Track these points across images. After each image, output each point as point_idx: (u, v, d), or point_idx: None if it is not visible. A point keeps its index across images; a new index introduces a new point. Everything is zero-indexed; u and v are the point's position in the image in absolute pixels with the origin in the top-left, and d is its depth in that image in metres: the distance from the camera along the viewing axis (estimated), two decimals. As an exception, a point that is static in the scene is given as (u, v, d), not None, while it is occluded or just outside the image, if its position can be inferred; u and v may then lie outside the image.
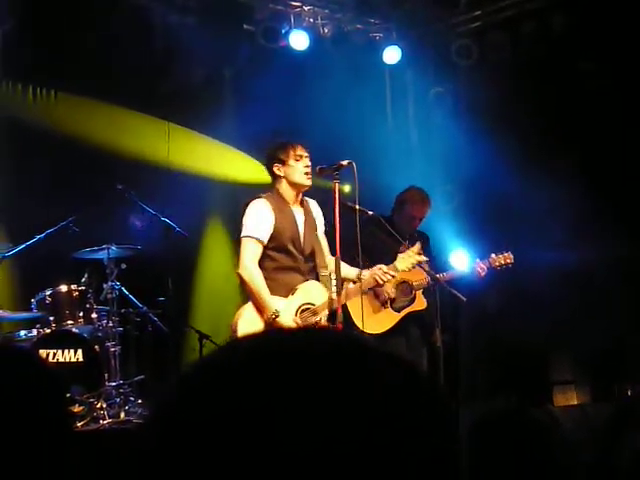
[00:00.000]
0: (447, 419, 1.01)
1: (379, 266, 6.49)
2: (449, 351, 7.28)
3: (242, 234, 6.31)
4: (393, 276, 6.57)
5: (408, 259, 6.55)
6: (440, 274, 7.18)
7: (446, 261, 8.03)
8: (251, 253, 6.25)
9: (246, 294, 6.38)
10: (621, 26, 8.88)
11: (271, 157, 6.48)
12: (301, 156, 6.36)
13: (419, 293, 7.28)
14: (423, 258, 6.68)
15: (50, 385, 1.75)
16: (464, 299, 7.11)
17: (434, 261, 7.56)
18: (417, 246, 6.65)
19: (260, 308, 6.16)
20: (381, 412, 0.95)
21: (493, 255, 7.38)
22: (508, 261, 7.38)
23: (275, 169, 6.43)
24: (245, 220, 6.34)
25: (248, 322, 6.16)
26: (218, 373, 0.99)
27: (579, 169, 9.18)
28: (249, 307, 6.25)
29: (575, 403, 8.83)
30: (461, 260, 9.38)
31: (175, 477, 0.94)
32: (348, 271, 6.44)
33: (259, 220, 6.31)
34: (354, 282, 6.45)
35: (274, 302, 6.17)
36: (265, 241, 6.29)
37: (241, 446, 0.91)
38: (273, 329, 5.73)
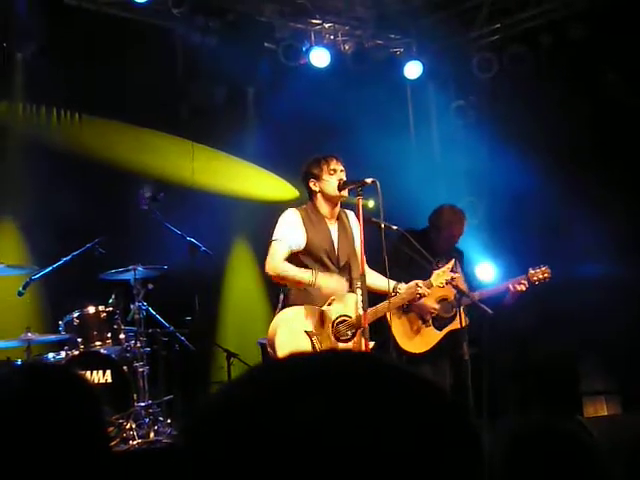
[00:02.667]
0: (474, 443, 1.02)
1: (416, 282, 6.49)
2: (476, 365, 7.25)
3: (271, 238, 6.36)
4: (426, 294, 6.58)
5: (443, 275, 6.57)
6: (476, 292, 7.22)
7: (473, 274, 8.02)
8: (278, 253, 6.27)
9: (278, 304, 6.42)
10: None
11: (306, 173, 6.51)
12: (335, 170, 6.38)
13: (461, 311, 7.26)
14: (456, 275, 6.68)
15: (89, 403, 1.77)
16: (491, 312, 7.11)
17: (468, 277, 7.58)
18: (451, 263, 6.66)
19: (300, 284, 6.19)
20: (412, 441, 0.96)
21: (531, 270, 7.38)
22: (546, 275, 7.38)
23: (311, 184, 6.47)
24: (276, 227, 6.39)
25: (286, 333, 6.18)
26: (248, 396, 1.00)
27: (607, 181, 9.14)
28: (284, 317, 6.26)
29: (605, 414, 8.78)
30: (487, 273, 9.39)
31: None
32: (381, 283, 6.42)
33: (288, 226, 6.36)
34: (390, 295, 6.42)
35: (309, 272, 6.21)
36: (292, 247, 6.32)
37: (283, 467, 0.93)
38: (303, 352, 5.78)
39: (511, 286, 7.30)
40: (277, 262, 6.26)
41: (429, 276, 6.57)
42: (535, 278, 7.37)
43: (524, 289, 7.28)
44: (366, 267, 6.32)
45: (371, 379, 1.01)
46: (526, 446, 2.37)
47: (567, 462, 2.36)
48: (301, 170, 6.63)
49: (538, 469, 2.31)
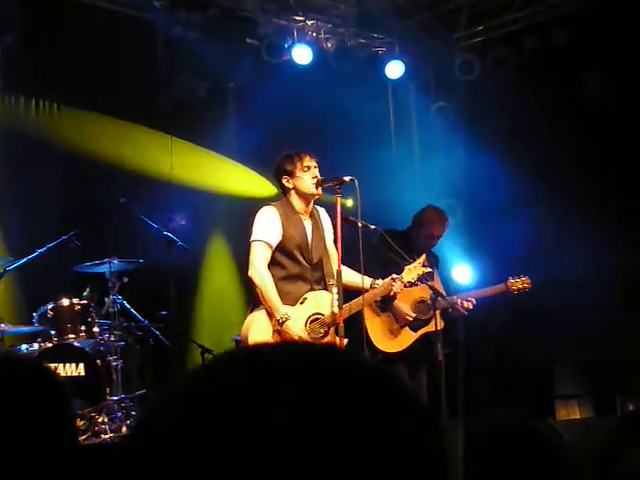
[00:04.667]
0: (432, 434, 1.01)
1: (392, 276, 6.50)
2: (450, 364, 7.27)
3: (251, 239, 6.35)
4: (399, 290, 6.58)
5: (414, 270, 6.56)
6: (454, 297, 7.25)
7: (449, 278, 8.04)
8: (260, 256, 6.29)
9: (252, 300, 6.42)
10: (623, 39, 8.89)
11: (279, 170, 6.51)
12: (309, 167, 6.38)
13: (437, 314, 7.27)
14: (428, 269, 6.69)
15: (56, 396, 1.75)
16: (465, 312, 7.14)
17: (444, 280, 7.61)
18: (422, 258, 6.66)
19: (270, 311, 6.19)
20: (364, 428, 0.94)
21: (510, 279, 7.41)
22: (526, 285, 7.41)
23: (284, 181, 6.46)
24: (254, 226, 6.39)
25: (259, 331, 6.19)
26: (209, 386, 0.98)
27: (585, 182, 9.17)
28: (258, 316, 6.26)
29: (577, 417, 8.81)
30: (464, 275, 9.41)
31: None
32: (356, 279, 6.42)
33: (267, 225, 6.36)
34: (365, 290, 6.42)
35: (283, 307, 6.20)
36: (274, 245, 6.32)
37: (239, 457, 0.91)
38: (278, 342, 5.76)
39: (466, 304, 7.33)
40: (262, 272, 6.27)
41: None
42: (514, 287, 7.40)
43: (466, 309, 7.30)
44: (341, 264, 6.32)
45: (335, 372, 1.00)
46: (497, 444, 2.37)
47: (536, 461, 2.36)
48: (274, 166, 6.61)
49: (508, 467, 2.32)
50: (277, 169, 6.54)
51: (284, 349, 1.07)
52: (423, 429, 1.00)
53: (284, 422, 0.92)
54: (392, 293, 6.56)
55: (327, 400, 0.95)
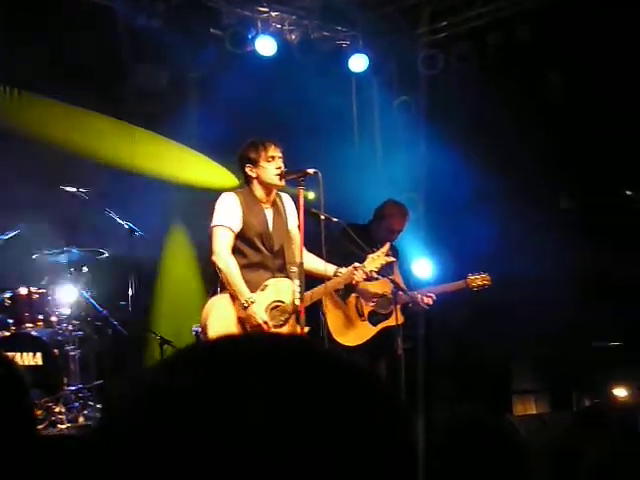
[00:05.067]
0: (403, 425, 1.01)
1: (354, 265, 6.50)
2: (410, 359, 7.29)
3: (213, 224, 6.33)
4: (360, 279, 6.59)
5: (377, 260, 6.57)
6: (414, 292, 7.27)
7: (409, 271, 8.07)
8: (224, 241, 6.29)
9: (213, 286, 6.40)
10: (587, 35, 8.95)
11: (243, 157, 6.48)
12: (273, 157, 6.37)
13: (397, 308, 7.30)
14: (391, 259, 6.70)
15: (13, 385, 1.72)
16: (426, 307, 7.18)
17: (404, 274, 7.63)
18: (386, 247, 6.67)
19: (234, 295, 6.17)
20: (337, 421, 0.94)
21: (470, 275, 7.45)
22: (485, 282, 7.46)
23: (247, 169, 6.44)
24: (215, 212, 6.38)
25: (218, 316, 6.18)
26: (173, 379, 0.97)
27: (546, 179, 9.23)
28: (218, 301, 6.25)
29: (534, 412, 8.88)
30: (424, 269, 9.44)
31: None
32: (319, 265, 6.42)
33: (228, 211, 6.35)
34: (328, 278, 6.42)
35: (248, 291, 6.19)
36: (235, 230, 6.31)
37: (213, 454, 0.90)
38: (239, 332, 5.74)
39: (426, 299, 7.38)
40: (226, 256, 6.26)
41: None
42: (474, 284, 7.45)
43: (427, 304, 7.34)
44: (304, 251, 6.32)
45: (306, 364, 0.99)
46: (457, 440, 2.38)
47: (494, 456, 2.38)
48: (238, 154, 6.58)
49: (468, 462, 2.33)
50: (241, 156, 6.51)
51: (254, 342, 1.06)
52: (396, 421, 1.00)
53: (258, 418, 0.91)
54: (354, 282, 6.57)
55: (300, 394, 0.94)
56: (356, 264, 6.51)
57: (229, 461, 0.90)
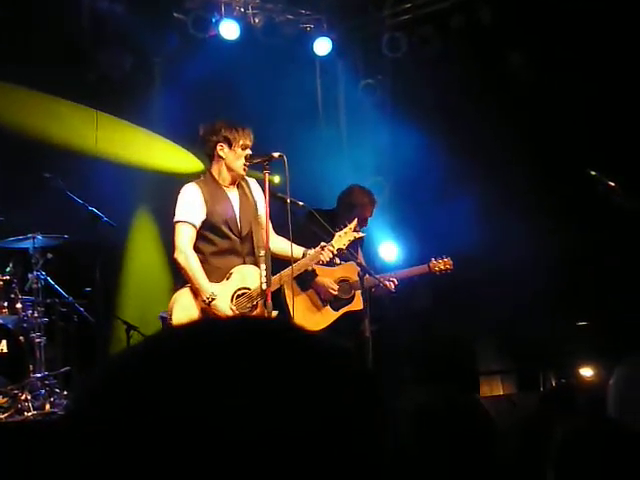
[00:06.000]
0: (378, 401, 1.01)
1: (322, 244, 6.47)
2: (377, 341, 7.32)
3: (175, 219, 6.30)
4: (313, 272, 6.59)
5: (345, 236, 6.55)
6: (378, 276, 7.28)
7: (376, 255, 8.09)
8: (185, 237, 6.25)
9: (179, 280, 6.38)
10: (549, 17, 9.00)
11: (217, 133, 6.38)
12: (247, 146, 6.33)
13: (358, 293, 7.32)
14: (360, 234, 6.70)
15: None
16: (393, 289, 7.21)
17: (369, 258, 7.65)
18: (353, 223, 6.66)
19: (196, 292, 6.16)
20: (318, 399, 0.94)
21: (433, 260, 7.51)
22: (448, 267, 7.53)
23: (218, 148, 6.36)
24: (177, 206, 6.34)
25: (183, 308, 6.16)
26: (146, 363, 0.97)
27: (511, 160, 9.27)
28: (184, 293, 6.24)
29: (501, 393, 8.95)
30: (390, 253, 9.47)
31: (98, 472, 0.92)
32: (287, 247, 6.37)
33: (190, 204, 6.30)
34: (295, 260, 6.39)
35: (210, 286, 6.16)
36: (197, 225, 6.28)
37: (167, 438, 0.90)
38: (206, 317, 5.73)
39: (409, 273, 7.42)
40: (187, 253, 6.23)
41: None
42: (437, 268, 7.52)
43: (392, 288, 7.37)
44: (272, 234, 6.31)
45: (275, 339, 0.99)
46: (431, 418, 2.40)
47: (465, 437, 2.40)
48: (211, 128, 6.48)
49: (443, 440, 2.34)
50: (214, 131, 6.42)
51: (231, 324, 1.06)
52: (373, 403, 1.00)
53: (242, 401, 0.91)
54: (320, 262, 6.54)
55: (279, 375, 0.94)
56: (323, 243, 6.48)
57: (206, 442, 0.89)
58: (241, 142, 6.32)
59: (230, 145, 6.33)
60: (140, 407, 0.92)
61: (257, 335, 1.00)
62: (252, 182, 6.65)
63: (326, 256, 6.46)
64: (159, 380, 0.93)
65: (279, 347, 0.98)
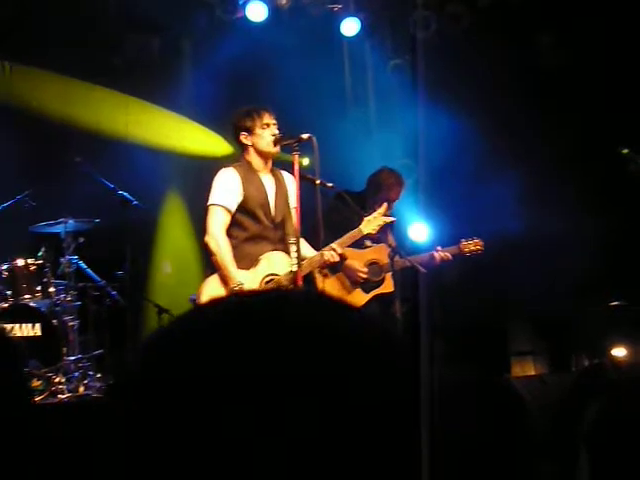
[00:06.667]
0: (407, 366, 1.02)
1: (330, 245, 6.45)
2: (408, 322, 7.30)
3: (209, 202, 6.30)
4: (342, 256, 6.54)
5: (374, 221, 6.56)
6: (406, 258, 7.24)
7: (405, 236, 8.07)
8: (218, 222, 6.25)
9: (210, 265, 6.38)
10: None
11: (237, 126, 6.44)
12: (268, 124, 6.34)
13: (388, 276, 7.30)
14: (390, 219, 6.70)
15: (9, 355, 1.73)
16: (423, 270, 7.17)
17: (399, 240, 7.62)
18: (383, 207, 6.66)
19: (224, 279, 6.15)
20: (355, 372, 0.95)
21: (463, 241, 7.46)
22: (478, 247, 7.48)
23: (242, 138, 6.41)
24: (212, 189, 6.34)
25: (211, 296, 6.14)
26: (182, 340, 0.97)
27: (540, 139, 9.21)
28: (213, 280, 6.24)
29: (533, 374, 8.91)
30: (420, 233, 9.43)
31: (142, 447, 0.92)
32: (307, 252, 6.40)
33: (226, 188, 6.30)
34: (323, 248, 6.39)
35: (238, 274, 6.16)
36: (232, 209, 6.28)
37: (205, 413, 0.90)
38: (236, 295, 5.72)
39: (437, 255, 7.36)
40: (219, 238, 6.21)
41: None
42: (467, 249, 7.47)
43: (450, 259, 7.35)
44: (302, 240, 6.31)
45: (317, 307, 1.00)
46: (460, 397, 2.39)
47: (501, 412, 2.39)
48: (231, 122, 6.56)
49: (472, 419, 2.34)
50: (235, 125, 6.49)
51: (270, 297, 1.06)
52: (408, 372, 1.00)
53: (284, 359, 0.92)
54: (329, 261, 6.47)
55: (318, 338, 0.95)
56: (333, 245, 6.41)
57: (253, 413, 0.90)
58: (259, 123, 6.34)
59: (251, 131, 6.35)
60: (176, 388, 0.93)
61: (294, 302, 1.01)
62: (285, 174, 6.64)
63: (328, 258, 6.38)
64: (194, 358, 0.94)
65: (316, 315, 0.99)
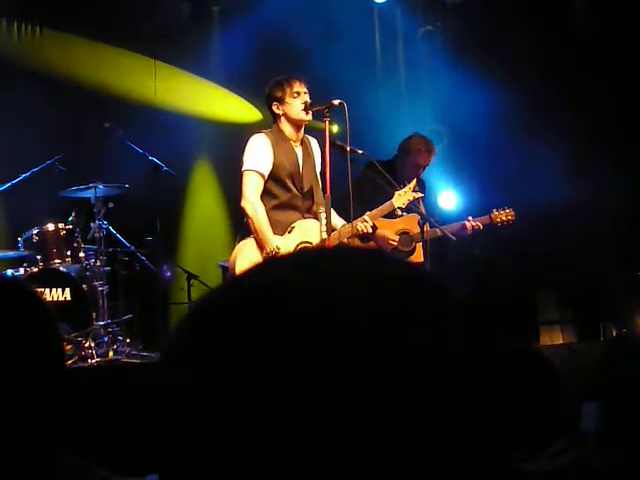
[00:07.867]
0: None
1: (362, 217, 6.45)
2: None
3: (243, 168, 6.31)
4: (373, 226, 6.54)
5: (405, 196, 6.56)
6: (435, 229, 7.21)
7: (435, 204, 8.05)
8: (253, 186, 6.26)
9: (241, 229, 6.40)
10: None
11: (269, 96, 6.45)
12: (299, 92, 6.33)
13: (419, 246, 7.27)
14: (419, 194, 6.69)
15: (41, 318, 1.73)
16: (454, 238, 7.14)
17: (430, 206, 7.59)
18: (413, 183, 6.65)
19: (260, 243, 6.17)
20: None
21: (495, 211, 7.39)
22: (509, 217, 7.40)
23: (274, 108, 6.42)
24: (245, 155, 6.34)
25: (246, 260, 6.16)
26: (225, 311, 0.96)
27: (569, 111, 9.14)
28: (248, 244, 6.25)
29: (561, 343, 8.89)
30: (450, 201, 9.41)
31: (189, 419, 0.92)
32: (336, 222, 6.41)
33: (259, 154, 6.31)
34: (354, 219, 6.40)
35: (275, 239, 6.18)
36: (266, 174, 6.29)
37: (254, 386, 0.89)
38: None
39: (469, 224, 7.30)
40: (255, 203, 6.23)
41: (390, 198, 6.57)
42: (498, 220, 7.39)
43: (481, 229, 7.31)
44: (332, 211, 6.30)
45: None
46: (494, 362, 2.39)
47: (533, 379, 2.39)
48: (264, 93, 6.56)
49: (507, 385, 2.34)
50: (267, 96, 6.49)
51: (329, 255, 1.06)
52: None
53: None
54: (361, 232, 6.50)
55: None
56: (365, 217, 6.43)
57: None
58: (290, 92, 6.33)
59: (282, 100, 6.35)
60: (222, 360, 0.92)
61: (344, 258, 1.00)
62: (313, 141, 6.64)
63: (362, 229, 6.42)
64: (239, 328, 0.93)
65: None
